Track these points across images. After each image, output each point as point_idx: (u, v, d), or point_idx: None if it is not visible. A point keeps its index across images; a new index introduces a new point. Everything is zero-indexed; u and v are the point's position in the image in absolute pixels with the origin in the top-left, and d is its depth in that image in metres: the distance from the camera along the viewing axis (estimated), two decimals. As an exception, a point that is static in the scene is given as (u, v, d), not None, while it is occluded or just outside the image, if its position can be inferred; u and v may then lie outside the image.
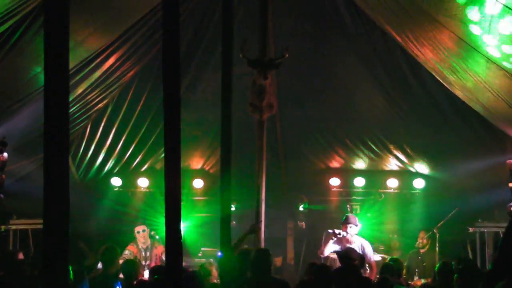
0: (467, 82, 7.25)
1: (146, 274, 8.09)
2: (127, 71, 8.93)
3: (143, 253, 8.86)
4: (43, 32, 2.65)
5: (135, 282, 5.62)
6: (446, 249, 8.82)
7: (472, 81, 7.08)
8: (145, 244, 8.93)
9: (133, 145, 10.32)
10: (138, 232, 9.01)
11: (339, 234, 7.69)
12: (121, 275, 5.90)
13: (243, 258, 5.35)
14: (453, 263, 6.00)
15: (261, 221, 7.13)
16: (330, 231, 7.81)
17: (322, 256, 7.91)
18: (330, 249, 7.75)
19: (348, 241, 7.72)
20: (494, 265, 4.29)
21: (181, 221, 3.39)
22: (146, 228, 9.11)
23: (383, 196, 10.80)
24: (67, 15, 2.67)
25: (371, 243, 8.18)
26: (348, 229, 7.76)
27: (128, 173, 10.92)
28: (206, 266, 6.81)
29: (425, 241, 8.87)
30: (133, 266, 5.87)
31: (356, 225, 7.86)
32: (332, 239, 7.72)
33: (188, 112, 9.13)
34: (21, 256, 6.61)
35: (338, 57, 9.11)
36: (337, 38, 8.85)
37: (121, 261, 6.97)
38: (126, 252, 8.59)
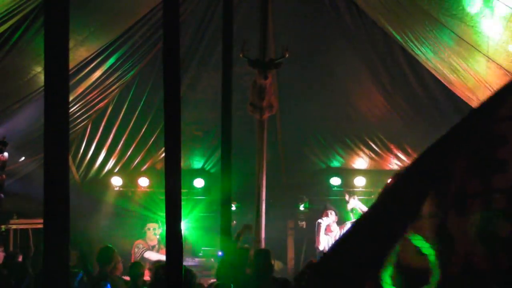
0: (468, 81, 7.24)
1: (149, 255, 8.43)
2: (127, 71, 8.93)
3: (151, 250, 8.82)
4: (43, 32, 2.65)
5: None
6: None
7: (473, 80, 7.07)
8: (153, 242, 8.80)
9: (134, 145, 10.31)
10: (149, 229, 8.86)
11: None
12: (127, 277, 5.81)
13: (241, 256, 5.34)
14: None
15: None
16: (320, 220, 8.44)
17: (319, 247, 8.20)
18: (323, 240, 8.03)
19: (329, 229, 8.38)
20: None
21: (182, 220, 3.38)
22: (158, 228, 8.87)
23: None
24: (67, 15, 2.67)
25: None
26: (329, 215, 8.45)
27: (129, 173, 10.91)
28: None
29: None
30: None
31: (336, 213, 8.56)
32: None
33: (189, 112, 9.12)
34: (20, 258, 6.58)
35: (338, 57, 9.10)
36: (337, 38, 8.83)
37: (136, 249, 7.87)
38: (140, 246, 8.56)
